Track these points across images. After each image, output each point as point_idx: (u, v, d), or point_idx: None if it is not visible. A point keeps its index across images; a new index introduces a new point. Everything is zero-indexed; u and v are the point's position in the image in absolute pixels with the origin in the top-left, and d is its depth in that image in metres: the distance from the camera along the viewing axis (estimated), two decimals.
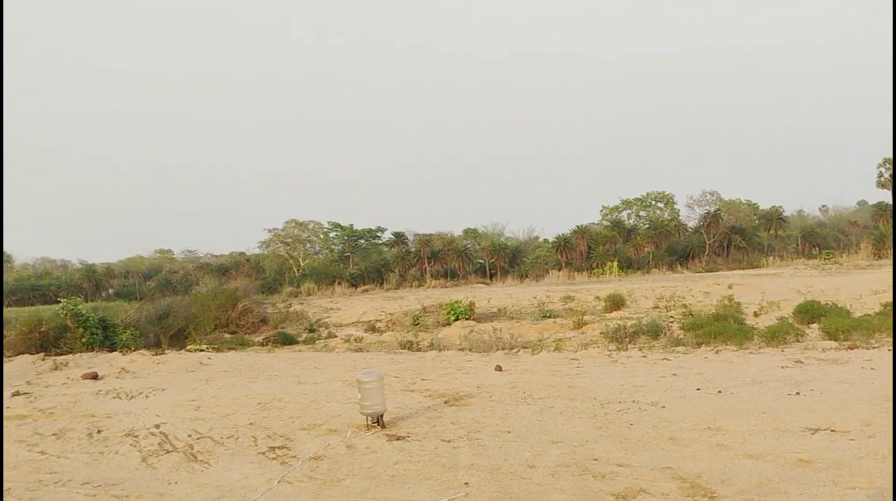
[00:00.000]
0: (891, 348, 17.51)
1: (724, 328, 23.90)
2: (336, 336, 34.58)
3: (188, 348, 27.99)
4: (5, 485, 8.52)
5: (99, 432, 11.29)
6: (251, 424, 11.17)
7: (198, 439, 10.36)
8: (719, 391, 12.21)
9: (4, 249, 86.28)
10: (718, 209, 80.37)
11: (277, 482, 8.13)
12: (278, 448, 9.63)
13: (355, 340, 31.32)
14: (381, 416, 10.38)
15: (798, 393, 11.67)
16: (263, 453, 9.41)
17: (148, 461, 9.38)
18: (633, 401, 11.67)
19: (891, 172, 71.10)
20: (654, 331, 25.82)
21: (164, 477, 8.61)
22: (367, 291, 63.00)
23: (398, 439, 9.70)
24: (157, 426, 11.32)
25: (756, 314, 30.37)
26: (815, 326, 24.30)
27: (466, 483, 7.71)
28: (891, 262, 55.82)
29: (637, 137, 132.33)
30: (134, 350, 25.30)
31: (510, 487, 7.49)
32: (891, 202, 70.56)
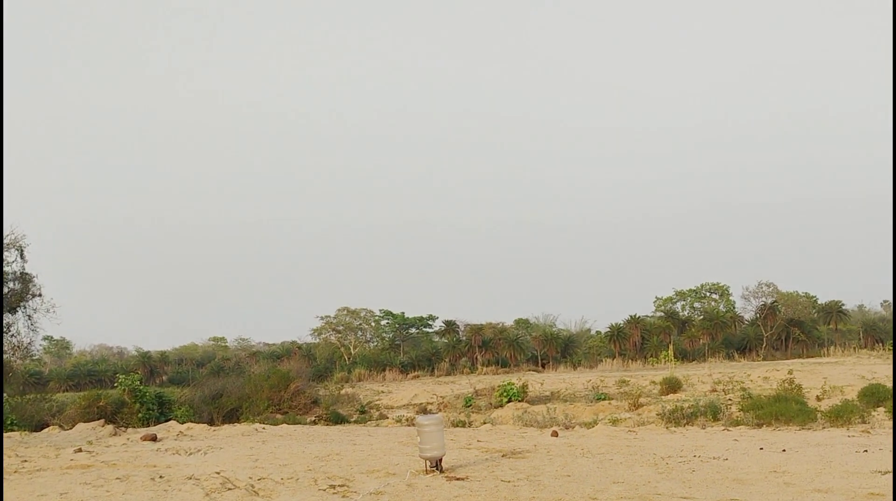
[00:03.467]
0: None
1: (786, 408, 23.19)
2: (387, 417, 34.42)
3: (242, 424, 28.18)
4: None
5: (161, 477, 11.48)
6: (310, 470, 11.27)
7: (258, 480, 10.48)
8: (784, 450, 11.95)
9: (65, 335, 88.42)
10: (776, 301, 78.77)
11: None
12: (339, 486, 9.70)
13: (407, 420, 31.18)
14: (440, 460, 10.39)
15: (866, 451, 11.37)
16: (324, 490, 9.49)
17: (211, 496, 9.52)
18: (695, 456, 11.49)
19: None
20: (713, 412, 25.20)
21: None
22: (417, 376, 62.59)
23: (458, 479, 9.69)
24: (218, 473, 11.47)
25: (819, 398, 29.34)
26: (881, 409, 23.49)
27: None
28: None
29: (688, 230, 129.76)
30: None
31: None
32: None
